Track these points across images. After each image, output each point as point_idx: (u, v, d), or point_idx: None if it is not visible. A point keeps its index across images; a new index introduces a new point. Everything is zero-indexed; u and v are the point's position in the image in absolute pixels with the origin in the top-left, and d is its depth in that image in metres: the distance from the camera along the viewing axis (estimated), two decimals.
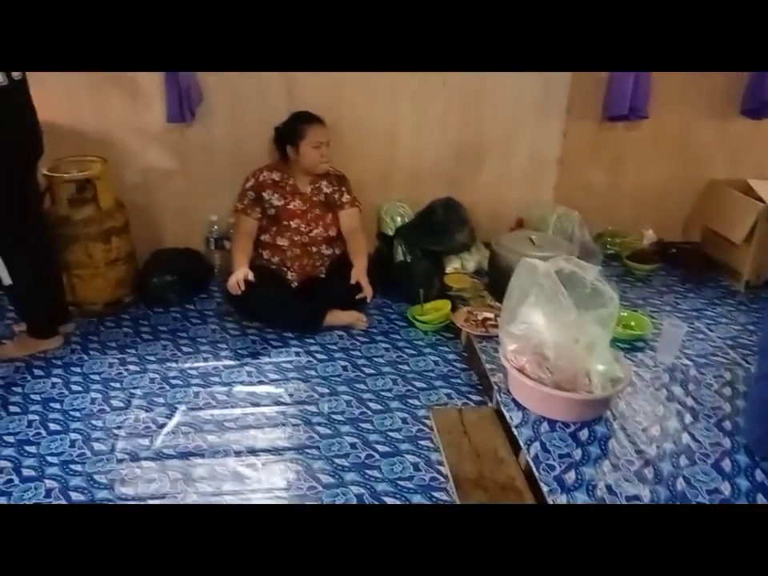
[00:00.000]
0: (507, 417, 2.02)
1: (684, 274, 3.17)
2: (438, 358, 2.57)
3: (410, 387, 2.39)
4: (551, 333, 1.92)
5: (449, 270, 2.95)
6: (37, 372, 2.47)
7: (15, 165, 2.35)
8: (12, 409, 2.26)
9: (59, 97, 2.76)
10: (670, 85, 3.05)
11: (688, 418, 2.04)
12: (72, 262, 2.71)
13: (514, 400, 2.05)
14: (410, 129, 3.07)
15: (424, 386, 2.40)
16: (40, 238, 2.54)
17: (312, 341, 2.69)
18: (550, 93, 3.05)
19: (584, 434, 1.93)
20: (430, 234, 2.97)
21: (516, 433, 1.95)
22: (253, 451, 2.07)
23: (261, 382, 2.42)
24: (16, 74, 2.24)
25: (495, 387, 2.15)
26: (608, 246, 3.30)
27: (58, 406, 2.29)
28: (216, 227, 3.09)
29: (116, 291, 2.85)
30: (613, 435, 1.94)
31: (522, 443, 1.90)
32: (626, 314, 2.54)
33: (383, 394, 2.35)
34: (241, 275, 2.59)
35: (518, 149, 3.17)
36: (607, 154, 3.25)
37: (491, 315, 2.52)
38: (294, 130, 2.73)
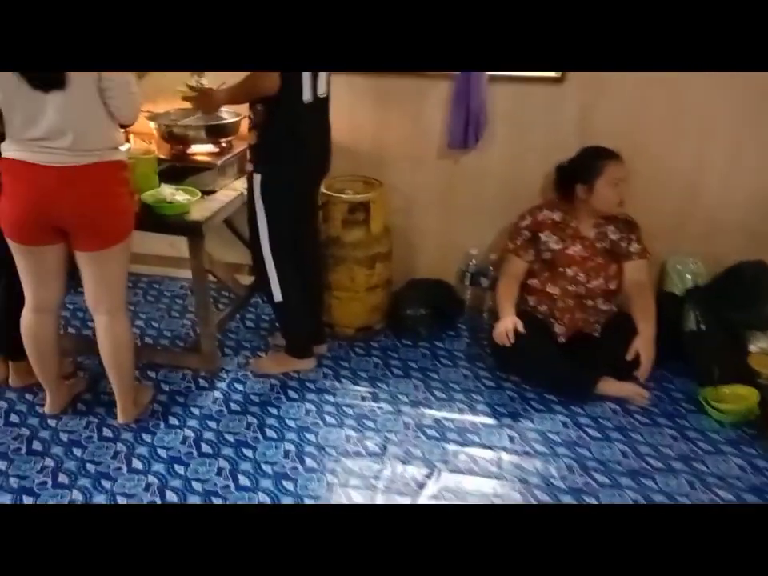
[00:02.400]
0: None
1: None
2: (743, 462, 2.09)
3: (713, 497, 1.95)
4: None
5: (753, 348, 2.44)
6: (291, 394, 2.40)
7: (307, 181, 2.31)
8: (268, 433, 2.19)
9: (342, 115, 2.68)
10: None
11: None
12: (334, 283, 2.63)
13: None
14: (718, 171, 2.60)
15: (731, 497, 1.94)
16: (314, 257, 2.49)
17: (580, 410, 2.35)
18: None
19: None
20: (732, 301, 2.48)
21: None
22: None
23: (527, 453, 2.12)
24: (321, 92, 2.17)
25: None
26: None
27: (312, 438, 2.18)
28: (474, 262, 2.86)
29: (369, 317, 2.73)
30: None
31: None
32: None
33: (681, 500, 1.94)
34: (510, 325, 2.33)
35: None
36: None
37: None
38: (588, 166, 2.41)
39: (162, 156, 2.43)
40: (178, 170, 2.42)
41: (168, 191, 2.23)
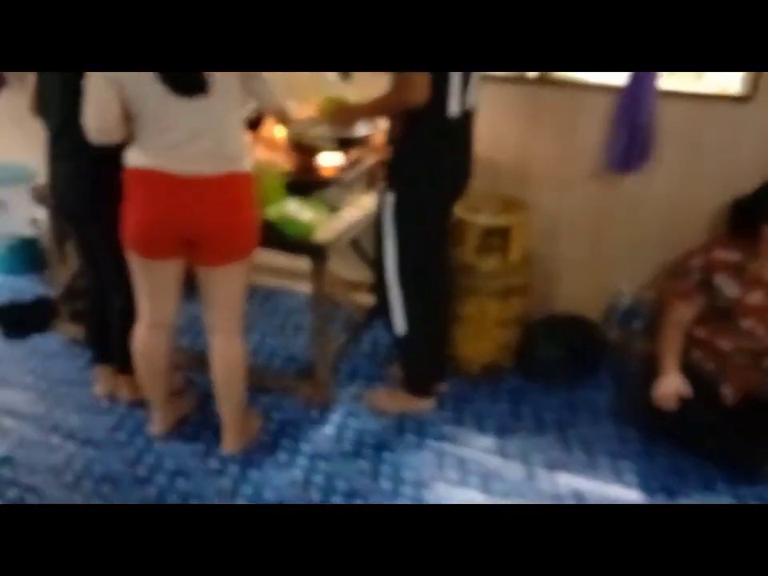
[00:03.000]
0: None
1: None
2: None
3: None
4: None
5: None
6: (409, 437, 2.16)
7: (445, 203, 2.07)
8: (383, 484, 1.97)
9: (483, 126, 2.39)
10: None
11: None
12: (462, 316, 2.36)
13: None
14: None
15: None
16: (444, 287, 2.24)
17: (748, 491, 1.96)
18: None
19: None
20: None
21: None
22: None
23: None
24: (469, 105, 1.92)
25: None
26: None
27: (431, 496, 1.93)
28: (625, 299, 2.50)
29: (498, 354, 2.44)
30: None
31: None
32: None
33: None
34: (676, 387, 1.97)
35: None
36: None
37: None
38: None
39: (287, 167, 2.27)
40: (304, 183, 2.24)
41: (293, 207, 2.06)
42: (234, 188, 1.75)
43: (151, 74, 1.58)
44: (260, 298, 2.99)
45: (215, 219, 1.73)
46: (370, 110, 1.94)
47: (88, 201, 1.95)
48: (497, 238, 2.33)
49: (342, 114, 2.06)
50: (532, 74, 2.38)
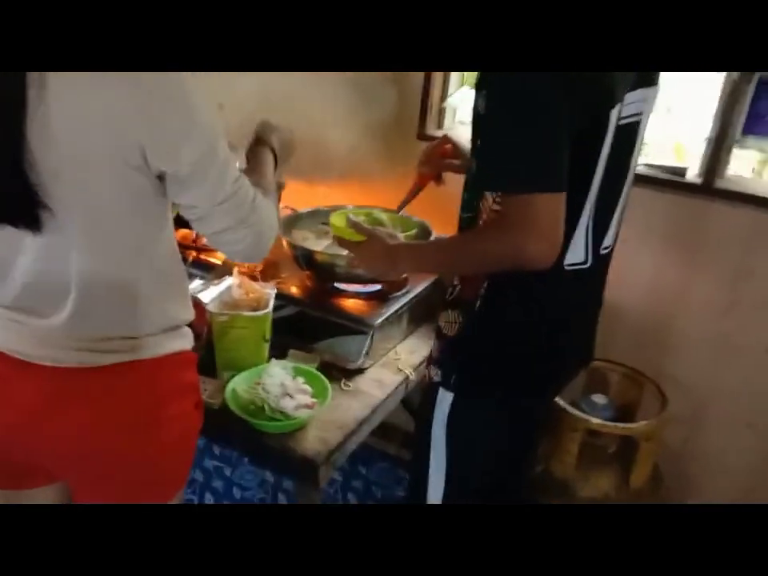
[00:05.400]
0: None
1: None
2: None
3: None
4: None
5: None
6: None
7: (544, 401, 1.21)
8: None
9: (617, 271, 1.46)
10: None
11: None
12: None
13: None
14: None
15: None
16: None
17: None
18: None
19: None
20: None
21: None
22: None
23: None
24: (606, 245, 1.03)
25: None
26: None
27: None
28: None
29: None
30: None
31: None
32: None
33: None
34: None
35: None
36: None
37: None
38: None
39: (291, 289, 1.42)
40: (309, 322, 1.39)
41: (277, 381, 1.19)
42: (143, 388, 0.90)
43: None
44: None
45: (102, 445, 0.88)
46: (429, 259, 1.05)
47: None
48: (612, 441, 1.43)
49: (373, 252, 1.13)
50: (694, 177, 1.48)
